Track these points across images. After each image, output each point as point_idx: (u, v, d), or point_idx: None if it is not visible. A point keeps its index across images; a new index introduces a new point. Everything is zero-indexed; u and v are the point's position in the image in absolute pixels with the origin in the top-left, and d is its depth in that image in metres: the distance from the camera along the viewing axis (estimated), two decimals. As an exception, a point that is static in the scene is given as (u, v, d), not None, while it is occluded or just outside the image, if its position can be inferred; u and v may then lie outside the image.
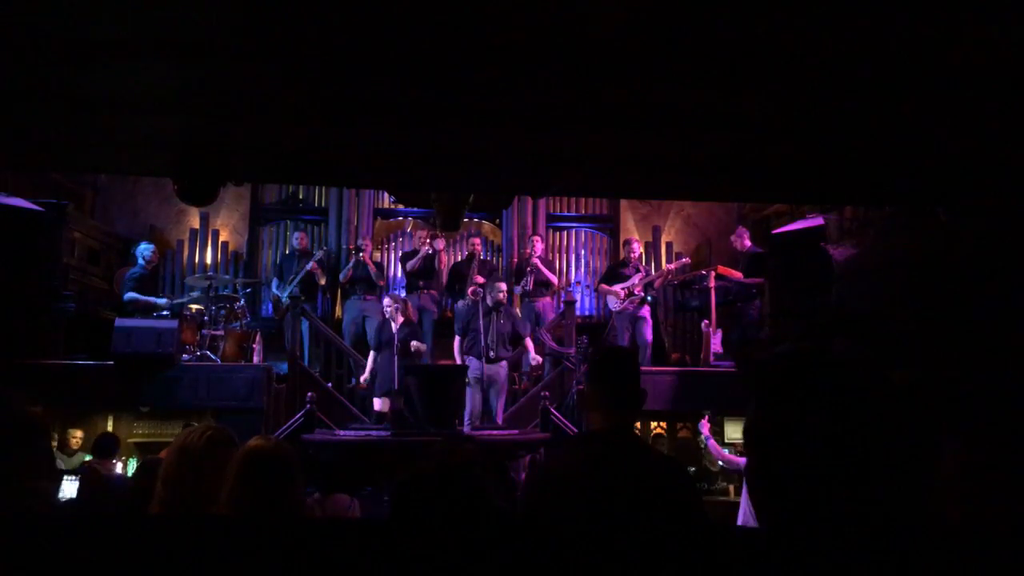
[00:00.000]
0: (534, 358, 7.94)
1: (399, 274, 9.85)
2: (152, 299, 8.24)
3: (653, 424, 8.22)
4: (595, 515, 2.04)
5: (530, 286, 8.98)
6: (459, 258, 9.91)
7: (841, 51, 2.35)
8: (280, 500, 2.18)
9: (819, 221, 6.95)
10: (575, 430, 7.19)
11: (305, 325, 8.67)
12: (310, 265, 8.99)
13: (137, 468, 3.72)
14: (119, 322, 7.43)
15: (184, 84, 2.19)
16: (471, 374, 7.19)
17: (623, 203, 10.46)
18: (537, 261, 8.94)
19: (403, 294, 9.46)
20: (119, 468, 6.37)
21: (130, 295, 8.25)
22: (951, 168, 3.26)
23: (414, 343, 7.49)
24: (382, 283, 9.34)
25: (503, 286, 7.85)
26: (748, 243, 8.52)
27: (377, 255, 10.04)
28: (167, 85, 2.21)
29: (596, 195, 9.57)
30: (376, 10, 2.01)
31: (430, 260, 9.04)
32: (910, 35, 2.20)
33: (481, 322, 7.46)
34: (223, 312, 8.52)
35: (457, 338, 7.84)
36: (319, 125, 2.46)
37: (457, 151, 2.75)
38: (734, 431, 9.71)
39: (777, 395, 1.77)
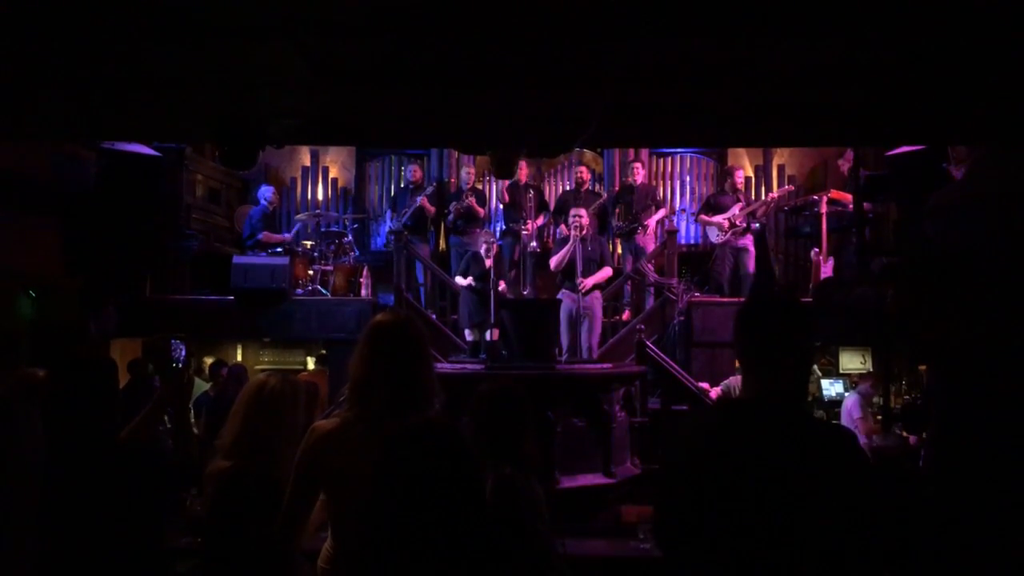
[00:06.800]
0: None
1: (499, 206, 9.88)
2: (280, 236, 8.81)
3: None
4: (738, 500, 1.77)
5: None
6: (565, 188, 9.81)
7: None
8: (407, 367, 2.26)
9: (942, 140, 6.37)
10: (672, 364, 7.10)
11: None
12: (419, 200, 9.19)
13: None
14: (236, 259, 7.91)
15: (217, 62, 2.25)
16: (564, 307, 7.17)
17: (731, 125, 9.94)
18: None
19: (502, 227, 9.52)
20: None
21: (262, 234, 8.72)
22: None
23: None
24: (483, 214, 9.37)
25: (581, 212, 7.58)
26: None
27: (479, 185, 10.06)
28: (203, 63, 2.28)
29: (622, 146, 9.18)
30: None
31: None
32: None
33: (579, 254, 7.35)
34: (332, 247, 8.90)
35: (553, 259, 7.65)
36: (337, 91, 2.47)
37: (472, 112, 2.70)
38: (849, 361, 9.31)
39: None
